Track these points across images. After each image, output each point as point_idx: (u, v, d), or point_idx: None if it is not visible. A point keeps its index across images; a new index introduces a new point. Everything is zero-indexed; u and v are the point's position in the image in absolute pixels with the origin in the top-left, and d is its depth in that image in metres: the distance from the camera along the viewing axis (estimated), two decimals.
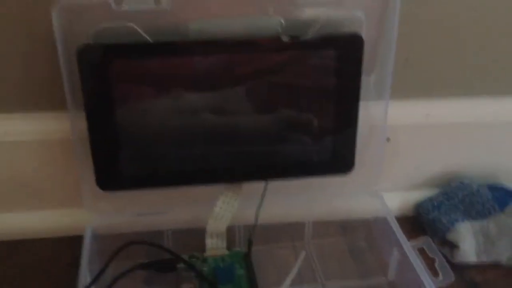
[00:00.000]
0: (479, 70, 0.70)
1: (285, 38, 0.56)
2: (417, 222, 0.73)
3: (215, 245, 0.63)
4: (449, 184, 0.73)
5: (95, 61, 0.54)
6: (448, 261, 0.66)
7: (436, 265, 0.56)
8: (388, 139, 0.70)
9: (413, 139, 0.72)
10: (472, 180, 0.73)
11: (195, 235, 0.63)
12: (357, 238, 0.70)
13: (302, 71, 0.58)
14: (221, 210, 0.62)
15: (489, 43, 0.68)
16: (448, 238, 0.67)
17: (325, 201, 0.68)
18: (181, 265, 0.61)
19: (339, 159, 0.63)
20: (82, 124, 0.56)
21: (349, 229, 0.71)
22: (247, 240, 0.64)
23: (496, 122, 0.72)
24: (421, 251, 0.59)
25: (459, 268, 0.66)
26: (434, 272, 0.56)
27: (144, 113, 0.58)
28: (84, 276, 0.55)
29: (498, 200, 0.69)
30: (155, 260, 0.60)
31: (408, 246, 0.59)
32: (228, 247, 0.64)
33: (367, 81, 0.61)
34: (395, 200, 0.75)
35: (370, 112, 0.64)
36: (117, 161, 0.59)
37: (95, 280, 0.55)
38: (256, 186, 0.63)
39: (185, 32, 0.56)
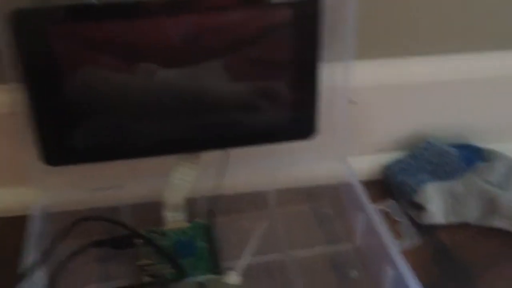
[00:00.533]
0: (446, 28, 0.67)
1: None
2: (385, 185, 0.71)
3: (174, 218, 0.61)
4: (417, 145, 0.71)
5: (33, 27, 0.50)
6: (416, 224, 0.65)
7: (401, 227, 0.55)
8: (353, 102, 0.67)
9: (380, 101, 0.69)
10: (441, 140, 0.71)
11: (154, 210, 0.61)
12: (323, 204, 0.68)
13: (257, 33, 0.55)
14: (179, 181, 0.59)
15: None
16: (415, 200, 0.66)
17: (288, 169, 0.65)
18: (139, 241, 0.58)
19: (300, 124, 0.60)
20: (25, 97, 0.53)
21: (314, 196, 0.69)
22: (208, 211, 0.62)
23: (462, 81, 0.69)
24: (388, 215, 0.57)
25: (427, 230, 0.65)
26: (399, 235, 0.54)
27: (94, 82, 0.54)
28: (29, 256, 0.52)
29: (466, 159, 0.68)
30: (111, 236, 0.57)
31: (373, 211, 0.57)
32: (189, 220, 0.62)
33: (330, 42, 0.59)
34: (364, 164, 0.73)
35: (333, 74, 0.61)
36: (65, 134, 0.55)
37: (42, 260, 0.52)
38: (217, 156, 0.61)
39: None
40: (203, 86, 0.57)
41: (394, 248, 0.53)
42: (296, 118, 0.59)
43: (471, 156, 0.68)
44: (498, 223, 0.64)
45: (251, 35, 0.55)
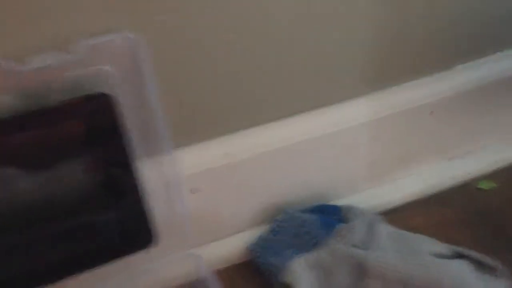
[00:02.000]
0: (264, 97, 0.63)
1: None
2: (253, 267, 0.65)
3: None
4: (275, 217, 0.66)
5: None
6: None
7: None
8: (196, 190, 0.61)
9: (226, 180, 0.64)
10: (300, 204, 0.67)
11: None
12: None
13: (53, 148, 0.48)
14: None
15: (264, 67, 0.62)
16: (283, 280, 0.60)
17: (140, 278, 0.58)
18: None
19: (135, 234, 0.53)
20: None
21: None
22: None
23: (302, 142, 0.66)
24: None
25: None
26: None
27: None
28: None
29: (325, 224, 0.63)
30: None
31: None
32: None
33: (139, 138, 0.53)
34: (226, 248, 0.67)
35: (160, 169, 0.55)
36: None
37: None
38: None
39: None
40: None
41: None
42: (129, 229, 0.53)
43: (330, 220, 0.64)
44: (372, 285, 0.60)
45: (49, 152, 0.48)
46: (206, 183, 0.62)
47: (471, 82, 0.73)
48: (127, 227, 0.52)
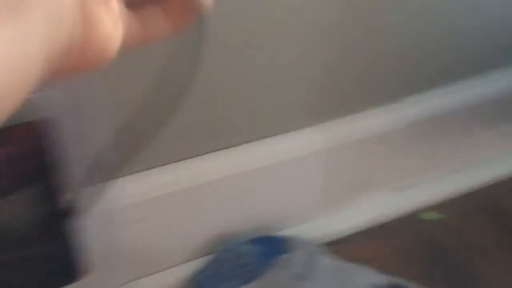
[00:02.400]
0: (211, 126, 0.64)
1: None
2: None
3: None
4: (217, 249, 0.66)
5: None
6: None
7: None
8: (137, 220, 0.62)
9: (167, 210, 0.64)
10: (247, 235, 0.67)
11: None
12: None
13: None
14: None
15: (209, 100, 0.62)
16: None
17: None
18: None
19: (66, 269, 0.53)
20: None
21: None
22: None
23: (244, 173, 0.66)
24: None
25: None
26: None
27: None
28: None
29: (266, 254, 0.64)
30: None
31: None
32: None
33: (80, 166, 0.53)
34: (166, 280, 0.66)
35: (102, 198, 0.55)
36: None
37: None
38: None
39: None
40: None
41: None
42: (59, 264, 0.52)
43: (271, 250, 0.64)
44: None
45: None
46: (151, 212, 0.62)
47: (420, 114, 0.74)
48: (58, 261, 0.52)
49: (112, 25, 0.22)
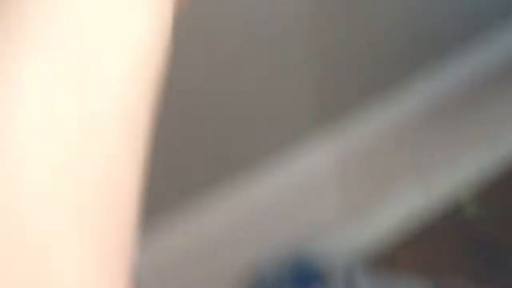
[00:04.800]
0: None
1: None
2: None
3: None
4: (250, 282, 0.62)
5: None
6: None
7: None
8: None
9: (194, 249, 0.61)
10: (278, 263, 0.63)
11: None
12: None
13: None
14: None
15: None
16: None
17: None
18: None
19: None
20: None
21: None
22: None
23: (264, 199, 0.62)
24: None
25: None
26: None
27: None
28: None
29: (302, 282, 0.60)
30: None
31: None
32: None
33: None
34: None
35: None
36: None
37: None
38: None
39: None
40: None
41: None
42: None
43: (306, 278, 0.60)
44: None
45: None
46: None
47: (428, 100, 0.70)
48: None
49: None
